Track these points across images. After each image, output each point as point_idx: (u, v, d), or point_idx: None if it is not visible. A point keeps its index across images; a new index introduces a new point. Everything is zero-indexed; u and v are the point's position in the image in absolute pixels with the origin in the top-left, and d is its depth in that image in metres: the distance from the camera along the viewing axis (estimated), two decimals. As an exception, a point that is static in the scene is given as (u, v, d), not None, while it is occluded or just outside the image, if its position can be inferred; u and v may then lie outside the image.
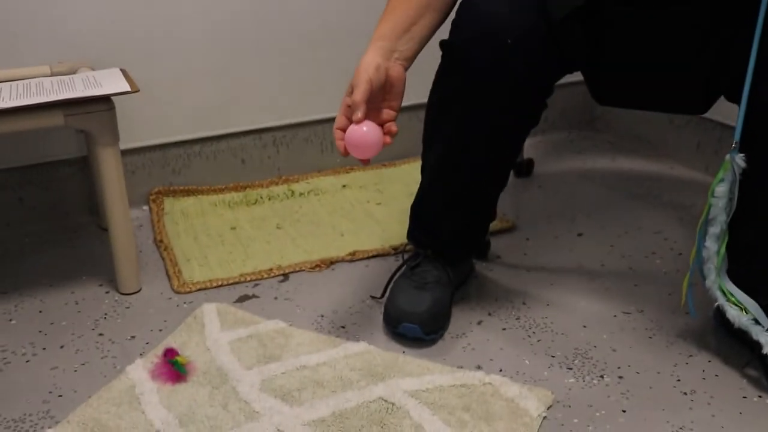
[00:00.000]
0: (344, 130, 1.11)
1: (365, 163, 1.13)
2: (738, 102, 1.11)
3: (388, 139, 1.12)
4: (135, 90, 1.35)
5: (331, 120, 1.93)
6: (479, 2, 1.15)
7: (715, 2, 1.10)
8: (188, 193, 1.86)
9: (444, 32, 1.21)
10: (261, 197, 1.85)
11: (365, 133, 1.09)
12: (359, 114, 1.07)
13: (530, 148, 2.10)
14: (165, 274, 1.52)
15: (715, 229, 1.13)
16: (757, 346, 1.15)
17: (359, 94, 1.08)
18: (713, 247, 1.14)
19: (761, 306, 1.16)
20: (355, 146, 1.09)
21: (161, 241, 1.64)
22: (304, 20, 1.86)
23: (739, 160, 1.08)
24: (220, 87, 1.84)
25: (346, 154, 1.11)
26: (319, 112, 1.95)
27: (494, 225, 1.65)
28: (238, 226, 1.72)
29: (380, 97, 1.12)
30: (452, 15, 1.20)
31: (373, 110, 1.12)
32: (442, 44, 1.20)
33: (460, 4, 1.20)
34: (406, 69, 1.15)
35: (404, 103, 1.16)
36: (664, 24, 1.12)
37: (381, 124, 1.13)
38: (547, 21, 1.13)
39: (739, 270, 1.17)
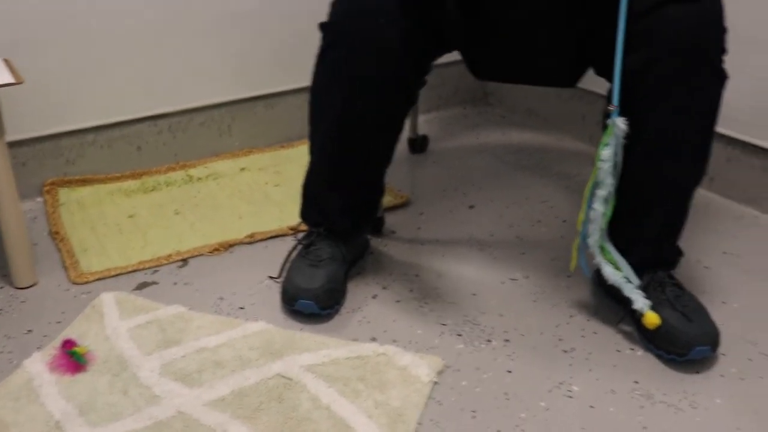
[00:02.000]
0: None
1: None
2: (604, 74, 1.19)
3: None
4: (19, 81, 1.33)
5: (229, 104, 1.97)
6: None
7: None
8: (84, 182, 1.84)
9: (324, 15, 1.25)
10: (158, 184, 1.85)
11: None
12: None
13: (425, 124, 2.16)
14: (62, 266, 1.51)
15: (602, 192, 1.20)
16: (629, 302, 1.24)
17: None
18: (600, 209, 1.21)
19: (631, 265, 1.25)
20: None
21: (57, 232, 1.63)
22: (197, 5, 1.86)
23: (620, 123, 1.15)
24: (113, 74, 1.82)
25: None
26: (215, 96, 1.96)
27: (389, 201, 1.71)
28: (135, 214, 1.71)
29: None
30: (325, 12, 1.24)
31: None
32: (321, 25, 1.23)
33: None
34: None
35: (299, 86, 1.19)
36: (532, 1, 1.19)
37: None
38: (423, 3, 1.18)
39: (616, 230, 1.25)
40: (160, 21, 1.83)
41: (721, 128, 1.74)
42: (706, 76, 1.13)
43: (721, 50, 1.14)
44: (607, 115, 1.16)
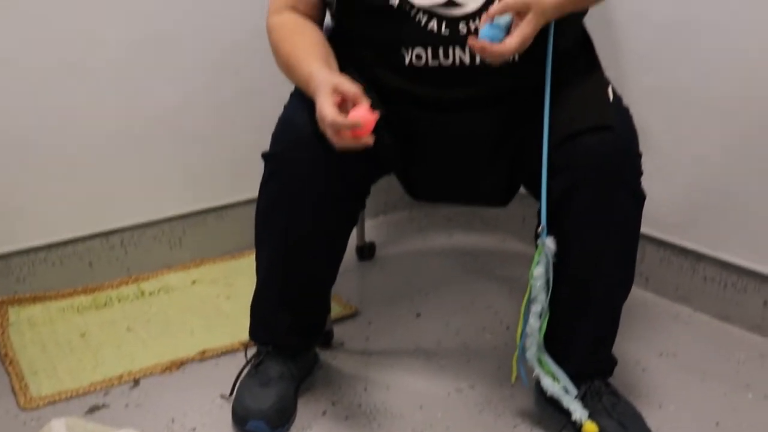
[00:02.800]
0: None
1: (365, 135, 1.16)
2: (534, 195, 1.27)
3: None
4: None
5: (180, 217, 2.02)
6: (295, 116, 1.27)
7: (504, 108, 1.26)
8: (34, 300, 1.85)
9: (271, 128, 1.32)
10: (110, 299, 1.87)
11: (363, 109, 1.15)
12: (365, 100, 1.15)
13: (373, 229, 2.23)
14: (11, 391, 1.52)
15: (536, 308, 1.26)
16: (568, 412, 1.29)
17: (349, 86, 1.15)
18: (535, 324, 1.27)
19: (568, 374, 1.31)
20: (366, 122, 1.14)
21: (6, 354, 1.63)
22: (144, 121, 1.92)
23: (550, 243, 1.23)
24: (63, 191, 1.86)
25: (354, 135, 1.15)
26: (167, 210, 2.00)
27: (337, 312, 1.75)
28: (87, 332, 1.73)
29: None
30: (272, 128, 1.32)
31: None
32: (264, 155, 1.30)
33: (280, 117, 1.31)
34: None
35: (249, 196, 1.25)
36: (461, 127, 1.28)
37: None
38: None
39: (552, 342, 1.31)
40: (110, 137, 1.89)
41: (653, 231, 1.83)
42: (625, 198, 1.22)
43: (637, 173, 1.23)
44: (538, 235, 1.23)
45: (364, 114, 1.14)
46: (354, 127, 1.13)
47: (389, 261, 2.07)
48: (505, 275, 1.97)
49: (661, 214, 1.81)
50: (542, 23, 1.14)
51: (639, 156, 1.24)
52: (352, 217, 1.36)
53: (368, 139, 1.14)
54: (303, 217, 1.28)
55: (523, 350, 1.31)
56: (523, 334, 1.29)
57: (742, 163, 1.65)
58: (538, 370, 1.31)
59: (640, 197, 1.24)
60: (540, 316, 1.26)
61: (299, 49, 1.27)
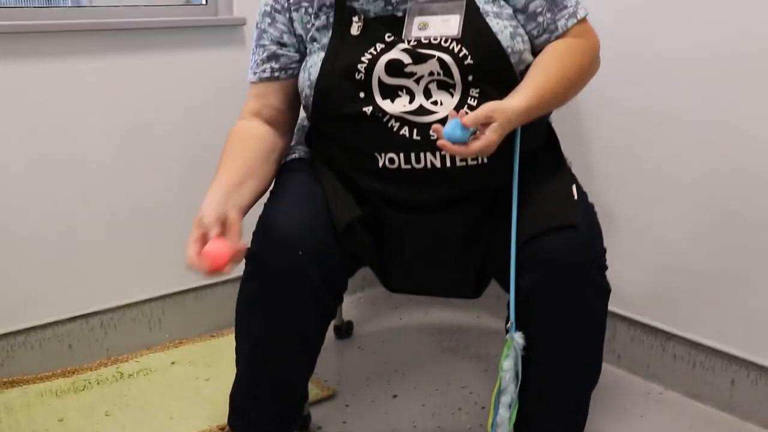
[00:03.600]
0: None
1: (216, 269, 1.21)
2: (504, 288, 1.31)
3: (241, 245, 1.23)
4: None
5: (159, 298, 2.05)
6: (274, 216, 1.31)
7: (474, 207, 1.32)
8: (12, 384, 1.86)
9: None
10: (89, 382, 1.88)
11: (222, 243, 1.20)
12: (215, 231, 1.20)
13: (350, 306, 2.26)
14: (-12, 482, 1.52)
15: (506, 399, 1.29)
16: (541, 499, 1.31)
17: (210, 216, 1.22)
18: (505, 414, 1.30)
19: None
20: (214, 257, 1.19)
21: (-16, 443, 1.64)
22: (124, 205, 1.96)
23: (518, 337, 1.26)
24: (43, 274, 1.88)
25: (209, 268, 1.19)
26: (147, 291, 2.03)
27: (315, 394, 1.77)
28: (65, 417, 1.74)
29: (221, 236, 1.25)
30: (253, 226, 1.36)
31: None
32: (245, 254, 1.33)
33: (260, 216, 1.35)
34: (240, 216, 1.28)
35: (231, 278, 1.29)
36: (433, 226, 1.33)
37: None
38: (335, 230, 1.30)
39: (524, 428, 1.34)
40: (91, 223, 1.93)
41: (624, 310, 1.89)
42: (590, 292, 1.26)
43: (601, 268, 1.28)
44: (507, 330, 1.27)
45: (215, 250, 1.20)
46: (201, 264, 1.19)
47: (367, 339, 2.10)
48: (481, 353, 2.01)
49: (632, 294, 1.86)
50: (508, 130, 1.20)
51: (603, 251, 1.29)
52: (331, 312, 1.39)
53: (222, 270, 1.20)
54: (282, 316, 1.31)
55: (494, 439, 1.34)
56: (494, 425, 1.32)
57: (707, 245, 1.71)
58: (509, 459, 1.33)
59: (604, 291, 1.29)
60: (510, 406, 1.29)
61: (222, 164, 1.37)
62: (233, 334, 1.38)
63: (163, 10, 2.03)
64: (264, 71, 1.43)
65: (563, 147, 1.48)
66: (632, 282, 1.86)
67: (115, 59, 1.89)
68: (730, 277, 1.68)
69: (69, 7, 2.12)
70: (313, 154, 1.43)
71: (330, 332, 2.08)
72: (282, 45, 1.42)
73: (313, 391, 1.77)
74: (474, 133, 1.18)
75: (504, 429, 1.30)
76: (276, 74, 1.43)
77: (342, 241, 1.30)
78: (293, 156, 1.48)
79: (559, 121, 1.50)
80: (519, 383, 1.29)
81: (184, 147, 2.02)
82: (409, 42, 1.30)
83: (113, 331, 2.00)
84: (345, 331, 2.10)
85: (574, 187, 1.31)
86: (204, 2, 2.08)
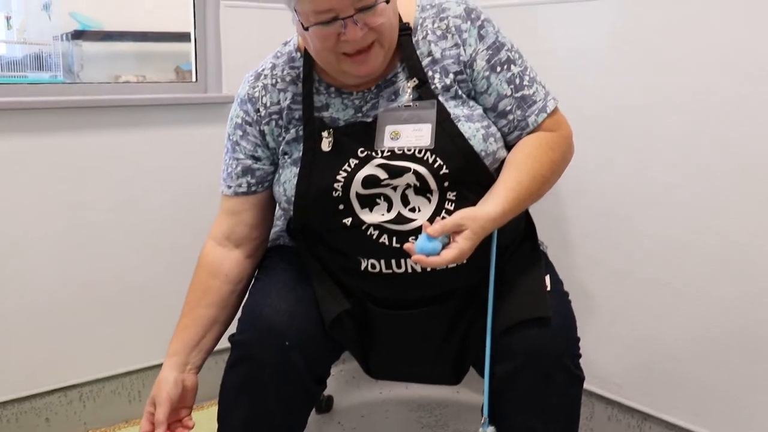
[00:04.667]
0: None
1: None
2: (482, 376, 1.34)
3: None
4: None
5: (139, 371, 2.05)
6: (261, 306, 1.33)
7: (453, 303, 1.35)
8: (-11, 458, 1.85)
9: (233, 326, 1.39)
10: (66, 457, 1.87)
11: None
12: (162, 429, 1.25)
13: (330, 380, 2.25)
14: None
15: None
16: None
17: (161, 414, 1.28)
18: None
19: None
20: None
21: None
22: (104, 278, 1.98)
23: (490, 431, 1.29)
24: (21, 347, 1.88)
25: None
26: (127, 364, 2.04)
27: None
28: (40, 494, 1.72)
29: (177, 402, 1.31)
30: (238, 312, 1.39)
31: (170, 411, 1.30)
32: (231, 340, 1.36)
33: (244, 304, 1.38)
34: (197, 373, 1.36)
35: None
36: (415, 322, 1.37)
37: (177, 420, 1.32)
38: (321, 321, 1.33)
39: None
40: (71, 295, 1.94)
41: (601, 390, 1.91)
42: (563, 380, 1.29)
43: (575, 357, 1.31)
44: (482, 424, 1.29)
45: None
46: None
47: (346, 414, 2.10)
48: (459, 430, 2.01)
49: (610, 373, 1.89)
50: (482, 237, 1.22)
51: (576, 341, 1.32)
52: (315, 399, 1.41)
53: None
54: (266, 403, 1.33)
55: None
56: None
57: (681, 328, 1.74)
58: None
59: (578, 379, 1.32)
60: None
61: (187, 314, 1.42)
62: (213, 408, 1.39)
63: (153, 87, 2.08)
64: (240, 186, 1.42)
65: (542, 227, 1.52)
66: (610, 361, 1.89)
67: (106, 135, 1.93)
68: (703, 361, 1.71)
69: (62, 83, 2.17)
70: (298, 246, 1.44)
71: (310, 407, 2.10)
72: (256, 159, 1.41)
73: (291, 469, 1.76)
74: (447, 241, 1.20)
75: None
76: (252, 189, 1.42)
77: (330, 332, 1.33)
78: (279, 242, 1.50)
79: (537, 202, 1.53)
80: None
81: (171, 221, 2.05)
82: (382, 153, 1.31)
83: (92, 404, 2.00)
84: (325, 405, 2.11)
85: (548, 278, 1.35)
86: (194, 80, 2.13)
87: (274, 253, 1.48)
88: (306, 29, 1.24)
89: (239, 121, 1.42)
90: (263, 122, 1.40)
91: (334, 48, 1.25)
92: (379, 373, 1.48)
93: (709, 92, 1.62)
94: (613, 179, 1.82)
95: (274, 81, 1.40)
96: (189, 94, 2.10)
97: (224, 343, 1.41)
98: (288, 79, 1.40)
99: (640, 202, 1.78)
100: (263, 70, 1.42)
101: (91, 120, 1.91)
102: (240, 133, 1.42)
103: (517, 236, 1.43)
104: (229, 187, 1.43)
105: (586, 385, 1.78)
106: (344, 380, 2.30)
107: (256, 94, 1.40)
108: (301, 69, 1.38)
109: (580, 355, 1.32)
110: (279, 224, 1.53)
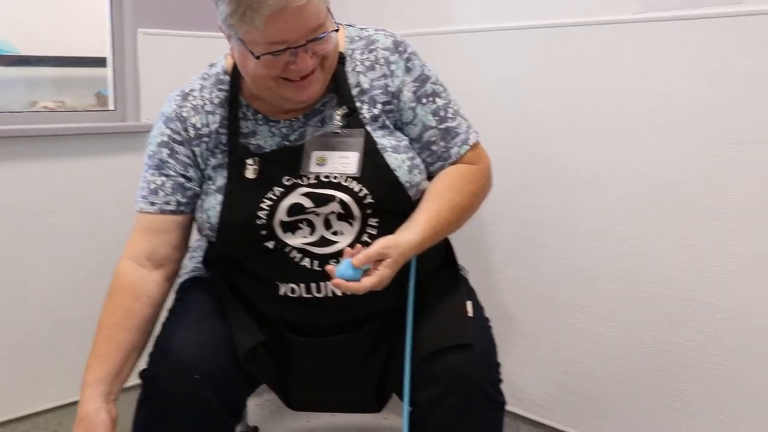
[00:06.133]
0: None
1: None
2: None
3: None
4: None
5: (55, 408, 1.97)
6: (171, 339, 1.31)
7: (373, 327, 1.35)
8: None
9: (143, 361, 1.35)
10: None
11: None
12: None
13: (256, 410, 2.23)
14: None
15: None
16: None
17: None
18: None
19: None
20: None
21: None
22: (20, 318, 1.91)
23: None
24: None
25: None
26: (42, 403, 1.98)
27: None
28: None
29: None
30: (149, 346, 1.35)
31: None
32: (141, 377, 1.32)
33: (157, 337, 1.35)
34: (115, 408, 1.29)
35: (126, 386, 1.31)
36: (333, 348, 1.35)
37: None
38: (235, 352, 1.30)
39: None
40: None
41: (526, 412, 1.94)
42: (484, 405, 1.29)
43: (496, 382, 1.32)
44: None
45: None
46: None
47: (272, 445, 2.07)
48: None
49: (534, 395, 1.91)
50: (402, 264, 1.24)
51: (497, 366, 1.33)
52: (230, 428, 1.38)
53: None
54: None
55: None
56: None
57: (601, 351, 1.78)
58: None
59: (499, 403, 1.33)
60: None
61: (104, 340, 1.32)
62: None
63: (69, 116, 2.03)
64: (168, 203, 1.37)
65: (463, 253, 1.54)
66: (533, 384, 1.91)
67: (20, 166, 1.87)
68: (622, 380, 1.75)
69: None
70: (215, 276, 1.42)
71: (235, 440, 2.06)
72: (188, 179, 1.38)
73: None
74: (368, 268, 1.22)
75: None
76: (181, 208, 1.38)
77: (242, 365, 1.31)
78: (193, 275, 1.48)
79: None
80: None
81: (88, 253, 2.00)
82: (308, 180, 1.30)
83: (5, 446, 1.92)
84: (250, 437, 2.07)
85: (469, 304, 1.36)
86: (112, 108, 2.09)
87: (190, 284, 1.45)
88: (257, 58, 1.23)
89: (165, 139, 1.38)
90: (193, 143, 1.37)
91: (278, 74, 1.25)
92: (299, 405, 1.46)
93: (623, 122, 1.67)
94: (532, 204, 1.85)
95: (202, 102, 1.38)
96: (107, 122, 2.05)
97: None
98: (216, 101, 1.38)
99: (559, 227, 1.81)
100: (191, 90, 1.40)
101: (5, 150, 1.85)
102: (167, 151, 1.37)
103: (437, 261, 1.44)
104: (153, 204, 1.37)
105: (511, 408, 1.83)
106: (269, 410, 2.27)
107: (185, 114, 1.37)
108: (229, 92, 1.37)
109: (501, 380, 1.34)
110: (196, 256, 1.51)
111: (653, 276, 1.67)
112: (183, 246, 1.42)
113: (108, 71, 2.08)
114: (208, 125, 1.37)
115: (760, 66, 1.46)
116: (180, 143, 1.38)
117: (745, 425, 1.57)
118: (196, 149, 1.38)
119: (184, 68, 1.71)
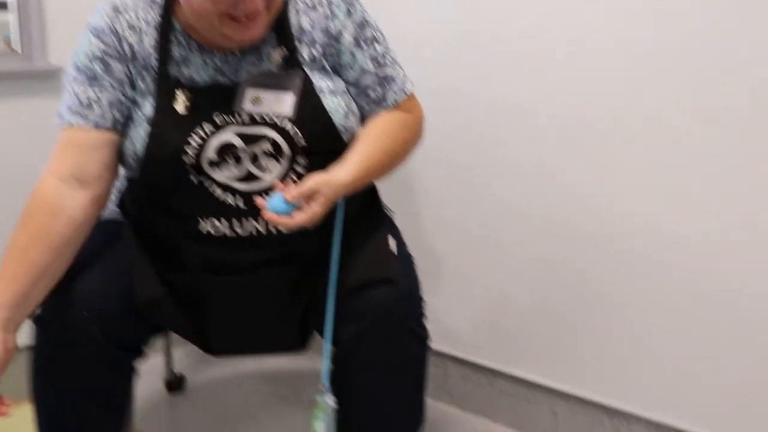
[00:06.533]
0: None
1: None
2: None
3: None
4: None
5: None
6: (72, 273, 1.25)
7: (296, 265, 1.33)
8: None
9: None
10: None
11: None
12: None
13: (183, 358, 2.20)
14: None
15: None
16: None
17: None
18: None
19: None
20: None
21: None
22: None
23: (330, 401, 1.28)
24: None
25: None
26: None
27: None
28: None
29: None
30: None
31: None
32: (32, 318, 1.26)
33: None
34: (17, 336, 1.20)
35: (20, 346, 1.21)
36: (255, 286, 1.33)
37: None
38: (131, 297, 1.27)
39: None
40: None
41: (454, 350, 1.96)
42: (409, 341, 1.29)
43: (420, 318, 1.32)
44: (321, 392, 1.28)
45: None
46: None
47: (200, 392, 2.05)
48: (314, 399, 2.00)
49: (461, 334, 1.93)
50: (332, 203, 1.22)
51: (420, 301, 1.33)
52: (128, 371, 1.34)
53: None
54: (72, 379, 1.27)
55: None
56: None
57: (529, 289, 1.80)
58: None
59: (423, 339, 1.33)
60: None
61: (14, 259, 1.21)
62: (27, 405, 1.27)
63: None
64: (103, 118, 1.27)
65: (391, 196, 1.53)
66: (461, 323, 1.93)
67: None
68: (551, 316, 1.78)
69: None
70: (127, 219, 1.37)
71: (161, 387, 2.03)
72: (126, 97, 1.29)
73: (142, 453, 1.71)
74: (299, 204, 1.20)
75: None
76: (117, 126, 1.28)
77: (142, 314, 1.28)
78: (109, 217, 1.41)
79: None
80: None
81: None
82: (240, 118, 1.26)
83: None
84: (177, 384, 2.04)
85: (391, 240, 1.35)
86: (19, 51, 1.98)
87: (103, 225, 1.38)
88: None
89: (97, 53, 1.27)
90: (129, 62, 1.29)
91: (224, 11, 1.19)
92: (219, 349, 1.42)
93: (555, 59, 1.67)
94: (465, 146, 1.84)
95: (136, 19, 1.29)
96: (12, 64, 1.95)
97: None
98: (149, 21, 1.30)
99: (490, 167, 1.81)
100: (121, 4, 1.30)
101: None
102: (101, 65, 1.27)
103: (362, 202, 1.42)
104: (86, 118, 1.26)
105: (438, 347, 1.84)
106: (196, 359, 2.24)
107: (118, 28, 1.28)
108: (163, 14, 1.30)
109: (424, 316, 1.33)
110: (113, 199, 1.45)
111: (578, 213, 1.69)
112: (114, 167, 1.32)
113: (11, 13, 1.97)
114: (142, 44, 1.29)
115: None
116: (116, 59, 1.28)
117: (660, 350, 1.62)
118: (133, 70, 1.29)
119: (93, 7, 1.63)
